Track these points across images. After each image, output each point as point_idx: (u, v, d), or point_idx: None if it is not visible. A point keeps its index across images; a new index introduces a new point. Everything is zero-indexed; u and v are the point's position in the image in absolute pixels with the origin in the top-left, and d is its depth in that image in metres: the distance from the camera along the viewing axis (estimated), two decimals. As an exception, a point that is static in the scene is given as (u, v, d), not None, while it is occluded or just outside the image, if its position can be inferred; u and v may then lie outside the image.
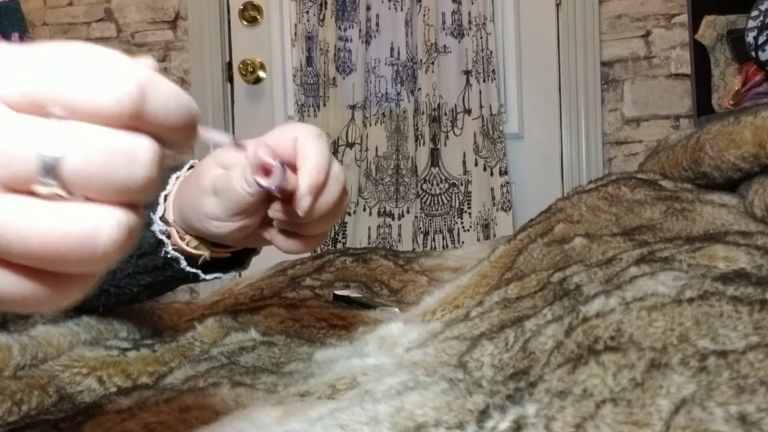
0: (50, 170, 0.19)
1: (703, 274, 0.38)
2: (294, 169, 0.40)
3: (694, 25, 1.72)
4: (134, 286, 0.53)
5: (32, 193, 0.19)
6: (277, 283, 0.82)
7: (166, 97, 0.21)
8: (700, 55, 1.72)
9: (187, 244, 0.48)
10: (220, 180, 0.41)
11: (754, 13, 1.44)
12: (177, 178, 0.49)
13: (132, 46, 2.16)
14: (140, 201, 0.21)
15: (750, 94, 1.55)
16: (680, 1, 1.86)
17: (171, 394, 0.40)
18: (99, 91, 0.19)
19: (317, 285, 0.79)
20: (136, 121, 0.20)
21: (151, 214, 0.48)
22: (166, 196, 0.48)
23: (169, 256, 0.48)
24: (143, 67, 0.21)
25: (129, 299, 0.57)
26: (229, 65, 2.09)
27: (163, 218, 0.48)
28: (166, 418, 0.36)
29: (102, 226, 0.19)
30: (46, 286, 0.20)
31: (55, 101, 0.19)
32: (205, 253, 0.48)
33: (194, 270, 0.49)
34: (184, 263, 0.49)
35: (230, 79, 2.09)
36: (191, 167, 0.49)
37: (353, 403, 0.33)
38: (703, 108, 1.72)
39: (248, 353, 0.51)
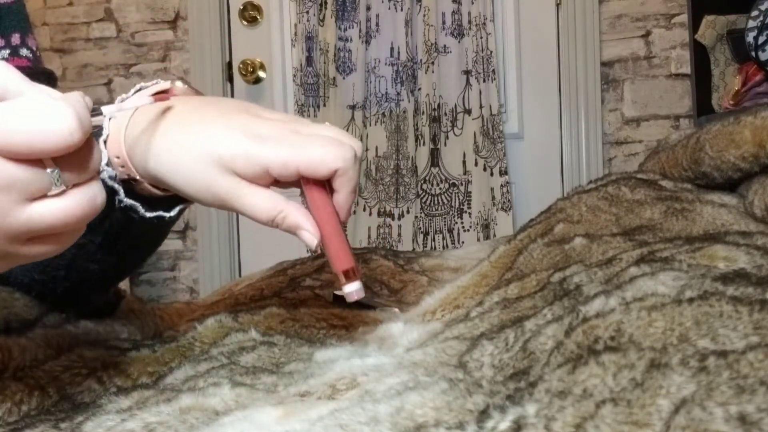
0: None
1: (703, 274, 0.38)
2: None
3: (694, 25, 1.72)
4: (91, 256, 0.52)
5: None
6: (277, 283, 0.82)
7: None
8: (700, 55, 1.72)
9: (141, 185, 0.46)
10: (237, 202, 0.41)
11: (754, 13, 1.44)
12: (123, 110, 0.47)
13: (132, 46, 2.16)
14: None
15: (750, 94, 1.55)
16: (680, 1, 1.86)
17: (171, 394, 0.40)
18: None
19: (317, 285, 0.79)
20: None
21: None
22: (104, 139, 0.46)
23: (121, 202, 0.46)
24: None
25: (96, 274, 0.55)
26: (229, 65, 2.09)
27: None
28: (166, 418, 0.36)
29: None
30: None
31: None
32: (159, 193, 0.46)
33: (155, 213, 0.47)
34: (142, 210, 0.47)
35: (230, 79, 2.10)
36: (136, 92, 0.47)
37: (353, 403, 0.33)
38: (703, 108, 1.72)
39: (248, 353, 0.51)
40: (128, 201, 0.46)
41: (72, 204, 0.31)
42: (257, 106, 0.46)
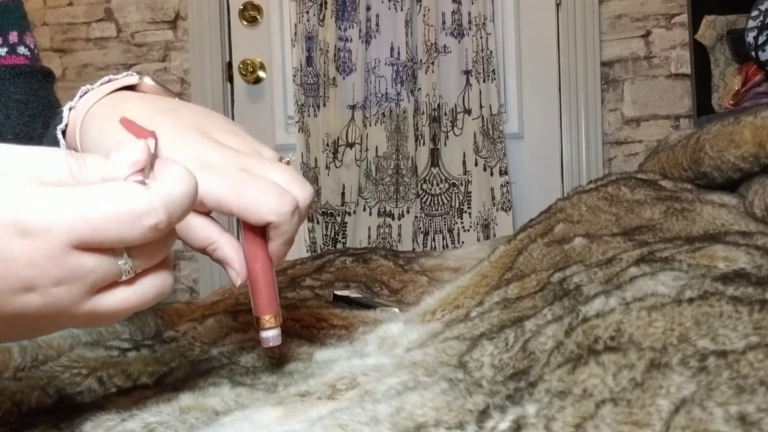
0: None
1: (703, 274, 0.38)
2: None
3: (694, 25, 1.72)
4: None
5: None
6: (277, 284, 0.82)
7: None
8: (700, 55, 1.72)
9: None
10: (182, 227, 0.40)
11: (754, 13, 1.44)
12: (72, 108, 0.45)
13: (132, 46, 2.16)
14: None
15: (750, 94, 1.55)
16: (680, 1, 1.86)
17: (171, 394, 0.41)
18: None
19: (317, 285, 0.79)
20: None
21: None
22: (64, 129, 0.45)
23: None
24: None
25: None
26: (229, 65, 2.09)
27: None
28: (166, 418, 0.36)
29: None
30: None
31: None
32: None
33: None
34: None
35: (230, 79, 2.10)
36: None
37: (353, 403, 0.33)
38: (703, 108, 1.72)
39: (248, 353, 0.51)
40: None
41: (138, 294, 0.29)
42: (222, 124, 0.43)
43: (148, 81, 0.47)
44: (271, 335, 0.42)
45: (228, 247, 0.40)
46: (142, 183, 0.28)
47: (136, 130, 0.40)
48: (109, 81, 0.46)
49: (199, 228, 0.40)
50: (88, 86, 0.45)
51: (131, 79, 0.46)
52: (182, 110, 0.43)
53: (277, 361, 0.50)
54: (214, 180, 0.38)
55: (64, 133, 0.45)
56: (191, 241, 0.41)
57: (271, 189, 0.38)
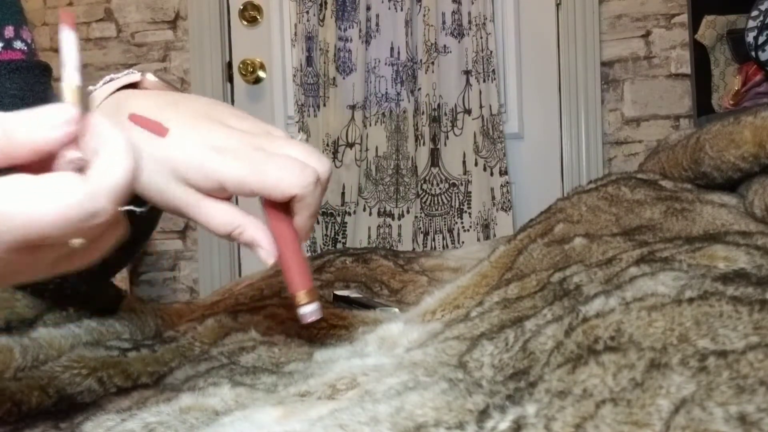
0: None
1: (703, 274, 0.38)
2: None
3: (694, 25, 1.72)
4: None
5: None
6: (277, 283, 0.82)
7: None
8: (700, 55, 1.72)
9: None
10: (192, 213, 0.39)
11: (754, 13, 1.44)
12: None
13: (132, 46, 2.16)
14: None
15: (750, 94, 1.55)
16: (680, 1, 1.86)
17: (171, 394, 0.41)
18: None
19: (317, 285, 0.79)
20: None
21: None
22: None
23: None
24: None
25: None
26: (229, 65, 2.09)
27: None
28: (166, 418, 0.36)
29: None
30: None
31: None
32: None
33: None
34: None
35: (230, 79, 2.10)
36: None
37: (353, 403, 0.33)
38: (703, 108, 1.72)
39: (248, 353, 0.51)
40: None
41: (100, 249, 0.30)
42: (228, 110, 0.43)
43: (150, 77, 0.46)
44: (309, 310, 0.42)
45: (254, 228, 0.40)
46: (81, 167, 0.27)
47: (147, 123, 0.39)
48: (110, 80, 0.46)
49: (221, 214, 0.40)
50: (90, 87, 0.45)
51: (133, 76, 0.46)
52: (188, 101, 0.43)
53: (277, 361, 0.50)
54: (231, 163, 0.37)
55: None
56: (215, 228, 0.40)
57: (290, 163, 0.38)
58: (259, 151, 0.39)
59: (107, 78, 0.46)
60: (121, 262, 0.61)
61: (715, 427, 0.24)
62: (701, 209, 0.62)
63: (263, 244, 0.40)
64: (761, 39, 1.42)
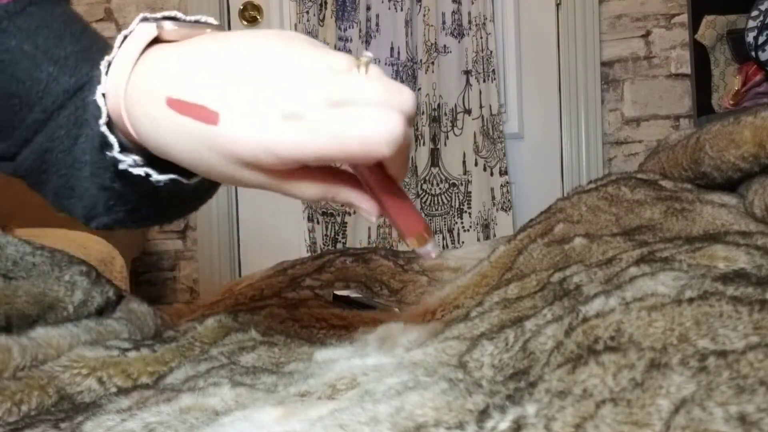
0: None
1: (703, 274, 0.38)
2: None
3: (694, 25, 1.72)
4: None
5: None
6: (277, 283, 0.82)
7: None
8: (700, 55, 1.72)
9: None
10: (277, 190, 0.36)
11: (754, 13, 1.44)
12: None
13: (132, 46, 2.16)
14: None
15: (750, 94, 1.55)
16: (680, 1, 1.86)
17: (171, 394, 0.41)
18: None
19: (317, 285, 0.79)
20: None
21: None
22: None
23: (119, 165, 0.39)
24: None
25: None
26: (229, 65, 2.09)
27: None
28: (166, 418, 0.36)
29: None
30: None
31: None
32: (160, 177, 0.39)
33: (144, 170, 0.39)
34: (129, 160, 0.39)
35: (230, 79, 2.10)
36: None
37: (353, 403, 0.33)
38: (703, 108, 1.72)
39: (248, 353, 0.51)
40: (126, 165, 0.39)
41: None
42: (273, 52, 0.35)
43: (169, 27, 0.40)
44: (429, 248, 0.39)
45: (346, 190, 0.37)
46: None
47: (192, 111, 0.34)
48: (124, 38, 0.40)
49: (306, 188, 0.36)
50: (107, 57, 0.40)
51: (150, 32, 0.40)
52: (226, 55, 0.36)
53: (277, 361, 0.50)
54: (303, 136, 0.32)
55: (104, 95, 0.40)
56: (305, 196, 0.36)
57: (371, 118, 0.32)
58: (332, 108, 0.33)
59: (121, 36, 0.40)
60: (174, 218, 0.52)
61: (715, 427, 0.24)
62: (701, 209, 0.62)
63: (362, 203, 0.37)
64: (761, 39, 1.42)
